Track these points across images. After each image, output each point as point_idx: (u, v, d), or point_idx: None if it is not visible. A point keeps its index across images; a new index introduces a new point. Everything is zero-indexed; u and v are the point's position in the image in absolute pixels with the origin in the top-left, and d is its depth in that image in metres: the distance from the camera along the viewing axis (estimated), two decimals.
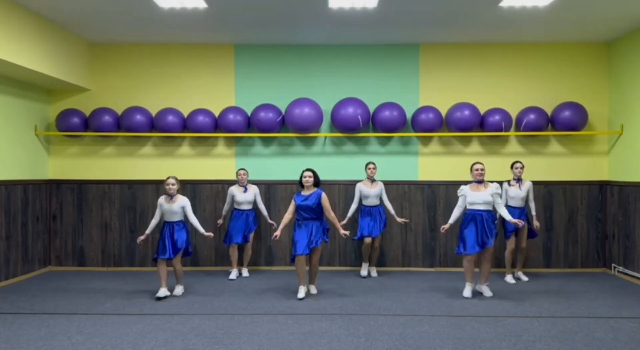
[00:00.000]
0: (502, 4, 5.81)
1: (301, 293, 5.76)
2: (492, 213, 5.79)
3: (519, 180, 6.59)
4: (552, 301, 5.66)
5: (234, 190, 6.85)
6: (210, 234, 5.90)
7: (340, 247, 7.48)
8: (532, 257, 7.40)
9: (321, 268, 7.38)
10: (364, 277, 6.89)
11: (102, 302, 5.62)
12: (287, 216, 5.84)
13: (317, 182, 5.82)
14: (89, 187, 7.51)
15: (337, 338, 4.42)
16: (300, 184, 5.86)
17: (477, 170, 5.79)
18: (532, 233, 6.71)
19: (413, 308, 5.37)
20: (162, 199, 5.87)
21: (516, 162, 6.63)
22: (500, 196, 5.89)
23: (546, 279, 6.79)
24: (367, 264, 7.02)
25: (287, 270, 7.23)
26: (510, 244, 6.55)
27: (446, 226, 5.87)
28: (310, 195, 5.75)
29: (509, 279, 6.61)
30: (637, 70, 6.71)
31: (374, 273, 7.01)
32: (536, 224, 6.74)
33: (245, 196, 6.80)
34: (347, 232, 5.77)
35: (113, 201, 7.51)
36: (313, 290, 6.01)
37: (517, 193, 6.55)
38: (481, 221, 5.68)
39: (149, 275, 6.94)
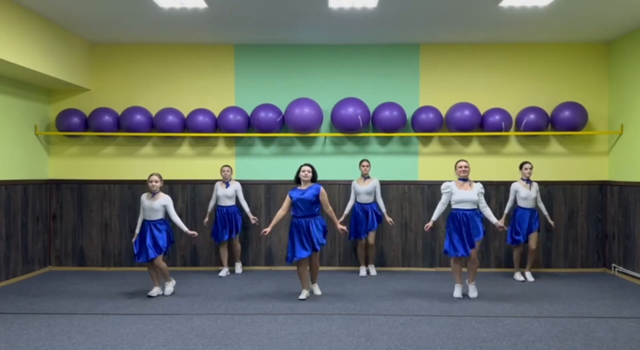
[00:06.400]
0: (502, 4, 5.81)
1: (303, 295, 5.71)
2: (478, 211, 5.72)
3: (528, 181, 6.58)
4: (552, 301, 5.66)
5: (218, 185, 6.99)
6: (195, 232, 5.87)
7: (340, 247, 7.47)
8: (532, 257, 7.39)
9: (321, 268, 7.37)
10: (363, 277, 6.90)
11: (102, 302, 5.62)
12: (281, 213, 5.72)
13: (314, 178, 5.74)
14: (89, 187, 7.51)
15: (337, 338, 4.42)
16: (297, 180, 5.78)
17: (461, 167, 5.69)
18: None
19: (413, 308, 5.37)
20: (144, 196, 5.85)
21: (526, 162, 6.60)
22: (484, 195, 5.82)
23: (546, 279, 6.79)
24: (364, 266, 7.03)
25: (287, 270, 7.22)
26: (519, 246, 6.59)
27: (429, 224, 5.75)
28: (307, 189, 5.65)
29: (518, 276, 6.70)
30: (637, 70, 6.71)
31: (373, 271, 7.01)
32: (552, 222, 6.80)
33: (225, 191, 6.89)
34: (345, 227, 5.74)
35: (113, 201, 7.51)
36: (317, 291, 5.93)
37: (529, 194, 6.54)
38: (467, 223, 5.60)
39: (149, 275, 6.93)
